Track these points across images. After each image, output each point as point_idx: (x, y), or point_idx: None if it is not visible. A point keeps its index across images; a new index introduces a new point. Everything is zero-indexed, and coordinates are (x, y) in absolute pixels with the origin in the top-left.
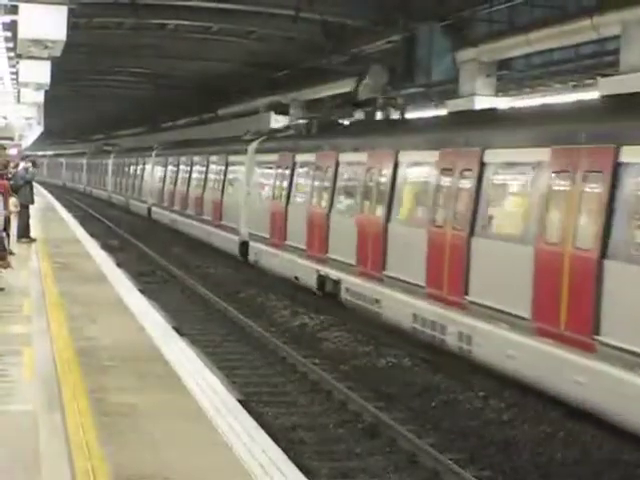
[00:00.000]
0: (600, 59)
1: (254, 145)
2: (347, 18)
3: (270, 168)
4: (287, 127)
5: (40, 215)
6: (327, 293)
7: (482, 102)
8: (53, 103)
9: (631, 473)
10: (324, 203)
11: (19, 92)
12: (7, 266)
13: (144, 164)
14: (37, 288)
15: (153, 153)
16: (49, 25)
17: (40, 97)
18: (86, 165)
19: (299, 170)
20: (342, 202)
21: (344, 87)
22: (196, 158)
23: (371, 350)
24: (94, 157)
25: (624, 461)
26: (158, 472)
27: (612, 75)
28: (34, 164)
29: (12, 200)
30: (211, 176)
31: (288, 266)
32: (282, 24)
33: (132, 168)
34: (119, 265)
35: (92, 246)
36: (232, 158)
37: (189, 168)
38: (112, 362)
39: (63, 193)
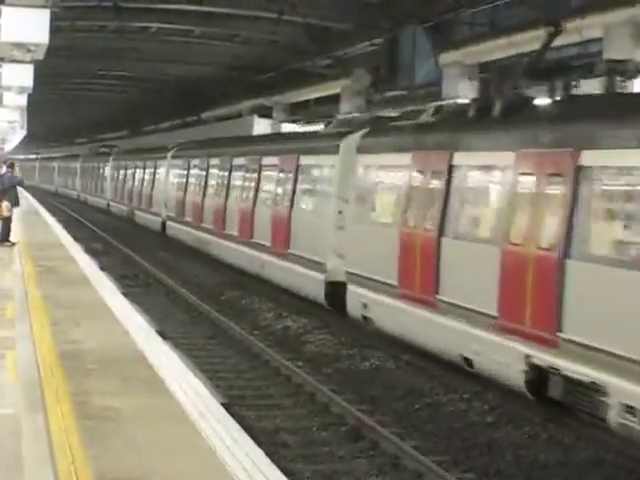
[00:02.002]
0: (583, 61)
1: (353, 140)
2: (330, 21)
3: (394, 174)
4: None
5: (23, 218)
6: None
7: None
8: (36, 107)
9: (614, 474)
10: (551, 238)
11: (2, 96)
12: None
13: (155, 167)
14: (20, 291)
15: (169, 154)
16: (32, 28)
17: (23, 101)
18: (80, 169)
19: (468, 179)
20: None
21: (328, 90)
22: (239, 161)
23: (355, 353)
24: (89, 160)
25: (607, 462)
26: (141, 475)
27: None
28: (11, 166)
29: (5, 204)
30: (267, 186)
31: (449, 341)
32: (265, 27)
33: (139, 172)
34: (102, 268)
35: (76, 250)
36: (309, 160)
37: (227, 174)
38: (95, 365)
39: (49, 200)
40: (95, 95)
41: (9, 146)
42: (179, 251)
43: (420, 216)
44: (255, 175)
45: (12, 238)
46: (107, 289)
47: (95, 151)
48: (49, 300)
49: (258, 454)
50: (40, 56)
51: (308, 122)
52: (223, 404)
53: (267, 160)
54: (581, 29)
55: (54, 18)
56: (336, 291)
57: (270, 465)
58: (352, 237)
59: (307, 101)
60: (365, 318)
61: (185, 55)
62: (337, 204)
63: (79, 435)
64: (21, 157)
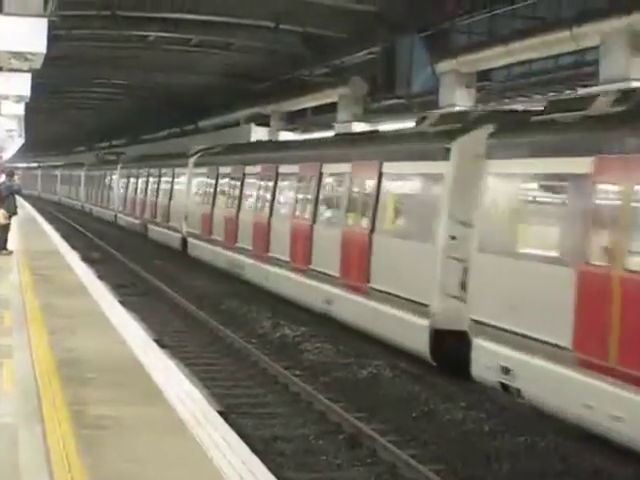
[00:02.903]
0: (579, 70)
1: (473, 141)
2: (327, 30)
3: (559, 189)
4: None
5: (22, 227)
6: None
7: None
8: (34, 115)
9: None
10: None
11: None
12: None
13: (173, 176)
14: (18, 300)
15: (191, 161)
16: (29, 37)
17: (21, 109)
18: (84, 178)
19: None
20: None
21: (325, 98)
22: (288, 169)
23: (352, 361)
24: (94, 168)
25: (605, 472)
26: None
27: (592, 86)
28: (11, 175)
29: (1, 212)
30: (331, 200)
31: None
32: (263, 36)
33: (153, 181)
34: (100, 277)
35: (72, 258)
36: (396, 168)
37: (271, 184)
38: (93, 374)
39: (50, 210)
40: (92, 104)
41: (7, 155)
42: (176, 260)
43: (617, 249)
44: (312, 186)
45: (9, 246)
46: (104, 298)
47: (101, 158)
48: (47, 309)
49: (255, 462)
50: (38, 65)
51: (304, 131)
52: (220, 412)
53: (330, 168)
54: (578, 38)
55: (52, 27)
56: (448, 343)
57: (267, 473)
58: (481, 273)
59: (304, 109)
60: (506, 387)
61: (183, 64)
62: (449, 227)
63: (76, 444)
64: (23, 165)
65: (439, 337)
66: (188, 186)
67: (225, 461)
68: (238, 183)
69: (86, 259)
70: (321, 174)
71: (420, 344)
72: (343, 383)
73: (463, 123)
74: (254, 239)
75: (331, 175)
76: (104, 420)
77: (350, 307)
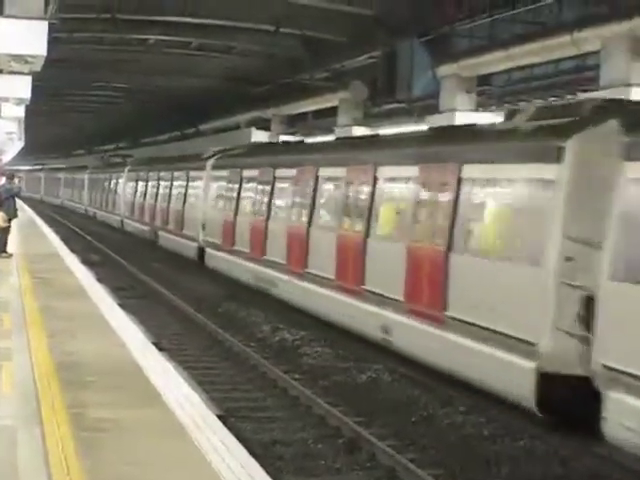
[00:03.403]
0: (580, 74)
1: (599, 138)
2: (327, 33)
3: None
4: None
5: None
6: None
7: (462, 118)
8: (34, 118)
9: None
10: None
11: None
12: None
13: (188, 180)
14: (17, 303)
15: (207, 164)
16: (29, 40)
17: (21, 112)
18: (88, 181)
19: None
20: None
21: (326, 102)
22: (331, 172)
23: (351, 365)
24: (98, 171)
25: (605, 476)
26: None
27: (593, 90)
28: (11, 178)
29: (0, 215)
30: (390, 209)
31: None
32: (263, 39)
33: (164, 185)
34: (99, 280)
35: (72, 261)
36: (480, 171)
37: (309, 190)
38: (92, 377)
39: (50, 214)
40: (92, 107)
41: (7, 157)
42: (175, 262)
43: None
44: (364, 193)
45: (9, 249)
46: (104, 301)
47: (106, 161)
48: (46, 311)
49: (254, 466)
50: (38, 67)
51: (305, 135)
52: (219, 416)
53: (387, 171)
54: (579, 42)
55: (52, 30)
56: (561, 391)
57: (266, 477)
58: (619, 308)
59: (305, 113)
60: None
61: (183, 67)
62: (563, 246)
63: (75, 446)
64: (27, 168)
65: (548, 382)
66: (205, 191)
67: (224, 465)
68: (266, 189)
69: (86, 262)
70: (375, 180)
71: (522, 389)
72: (342, 387)
73: (577, 116)
74: (289, 253)
75: (387, 180)
76: (103, 423)
77: (418, 338)
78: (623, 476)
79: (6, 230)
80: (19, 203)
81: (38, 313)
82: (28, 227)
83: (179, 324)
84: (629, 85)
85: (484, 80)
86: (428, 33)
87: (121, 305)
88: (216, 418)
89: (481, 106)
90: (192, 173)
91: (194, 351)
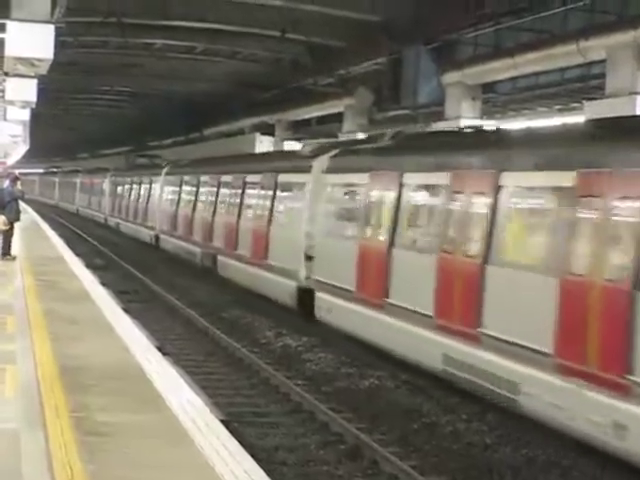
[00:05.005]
0: (586, 83)
1: None
2: (333, 40)
3: None
4: None
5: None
6: None
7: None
8: (39, 121)
9: None
10: None
11: (5, 110)
12: None
13: (275, 188)
14: (21, 306)
15: (316, 164)
16: (36, 43)
17: (26, 115)
18: (109, 187)
19: None
20: None
21: (331, 108)
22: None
23: (354, 372)
24: (123, 175)
25: None
26: None
27: (598, 99)
28: (15, 180)
29: (2, 219)
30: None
31: None
32: (268, 45)
33: (228, 194)
34: (104, 284)
35: (76, 265)
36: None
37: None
38: (95, 381)
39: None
40: (98, 110)
41: (11, 160)
42: (178, 266)
43: None
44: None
45: (13, 252)
46: (108, 305)
47: (132, 163)
48: (50, 315)
49: (257, 472)
50: (44, 71)
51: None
52: (222, 421)
53: (467, 183)
54: (584, 51)
55: (58, 33)
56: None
57: None
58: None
59: (309, 119)
60: None
61: (188, 72)
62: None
63: (78, 450)
64: (40, 171)
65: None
66: (312, 204)
67: (227, 469)
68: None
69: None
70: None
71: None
72: (345, 393)
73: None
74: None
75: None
76: (106, 427)
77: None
78: None
79: (9, 233)
80: (22, 205)
81: (42, 316)
82: (34, 230)
83: (182, 329)
84: (634, 93)
85: (489, 88)
86: (434, 40)
87: (125, 309)
88: (219, 423)
89: (486, 114)
90: (283, 178)
91: (198, 356)
